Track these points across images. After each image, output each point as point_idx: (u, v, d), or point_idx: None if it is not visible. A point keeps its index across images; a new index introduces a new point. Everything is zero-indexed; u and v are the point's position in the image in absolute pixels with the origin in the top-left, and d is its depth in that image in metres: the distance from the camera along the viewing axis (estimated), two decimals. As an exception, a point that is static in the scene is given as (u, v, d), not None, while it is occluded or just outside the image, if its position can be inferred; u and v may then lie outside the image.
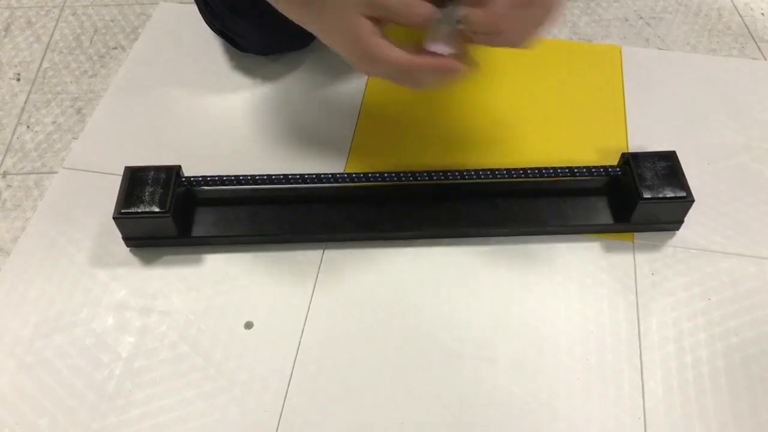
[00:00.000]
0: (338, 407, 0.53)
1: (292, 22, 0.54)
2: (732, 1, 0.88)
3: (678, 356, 0.56)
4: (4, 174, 0.70)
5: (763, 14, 0.86)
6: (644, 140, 0.71)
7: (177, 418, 0.53)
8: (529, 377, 0.55)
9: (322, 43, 0.52)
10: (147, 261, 0.62)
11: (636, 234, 0.63)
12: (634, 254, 0.62)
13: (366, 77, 0.77)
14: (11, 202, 0.68)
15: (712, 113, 0.74)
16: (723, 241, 0.63)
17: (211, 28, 0.78)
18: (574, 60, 0.79)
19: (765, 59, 0.80)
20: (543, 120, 0.73)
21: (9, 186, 0.69)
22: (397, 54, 0.47)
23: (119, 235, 0.61)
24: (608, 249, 0.62)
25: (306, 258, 0.62)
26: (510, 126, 0.72)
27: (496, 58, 0.78)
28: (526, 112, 0.73)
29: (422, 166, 0.65)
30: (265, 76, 0.77)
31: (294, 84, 0.76)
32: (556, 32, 0.84)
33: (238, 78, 0.77)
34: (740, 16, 0.86)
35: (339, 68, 0.77)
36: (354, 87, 0.76)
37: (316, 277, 0.61)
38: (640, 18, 0.86)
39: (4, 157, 0.72)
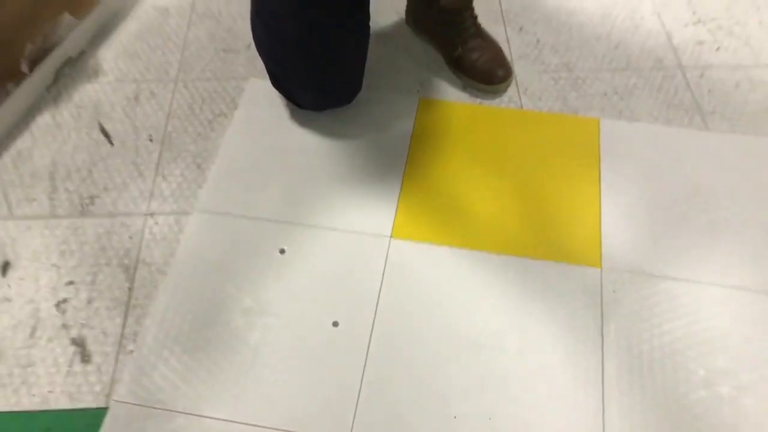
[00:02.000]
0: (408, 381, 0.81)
1: (332, 86, 0.82)
2: (686, 80, 1.14)
3: (629, 349, 0.83)
4: (152, 214, 0.98)
5: (709, 91, 1.13)
6: (615, 192, 0.98)
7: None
8: (530, 358, 0.82)
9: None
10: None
11: (603, 259, 0.90)
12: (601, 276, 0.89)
13: (410, 130, 1.04)
14: (160, 235, 0.96)
15: (665, 172, 1.01)
16: (666, 268, 0.90)
17: (280, 93, 1.06)
18: (563, 130, 1.07)
19: (708, 129, 1.07)
20: (527, 192, 1.00)
21: (156, 223, 0.97)
22: None
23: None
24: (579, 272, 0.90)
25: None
26: (501, 201, 1.00)
27: (508, 147, 1.05)
28: (515, 186, 1.01)
29: (457, 237, 0.93)
30: (323, 127, 1.05)
31: (341, 128, 1.04)
32: (552, 104, 1.11)
33: (304, 130, 1.05)
34: (691, 92, 1.13)
35: (379, 119, 1.05)
36: (397, 137, 1.04)
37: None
38: (616, 93, 1.13)
39: (150, 201, 1.00)
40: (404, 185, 0.99)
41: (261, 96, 1.11)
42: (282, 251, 0.92)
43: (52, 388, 0.83)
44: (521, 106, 1.11)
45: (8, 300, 0.90)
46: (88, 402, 0.81)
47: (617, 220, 0.96)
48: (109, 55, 1.19)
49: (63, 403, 0.81)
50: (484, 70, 1.11)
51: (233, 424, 0.78)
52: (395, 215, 0.96)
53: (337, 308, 0.87)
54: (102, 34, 1.23)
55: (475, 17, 1.14)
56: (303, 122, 1.07)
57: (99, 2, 1.20)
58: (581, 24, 1.24)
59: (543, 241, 0.93)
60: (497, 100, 1.12)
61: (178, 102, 1.12)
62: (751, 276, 0.90)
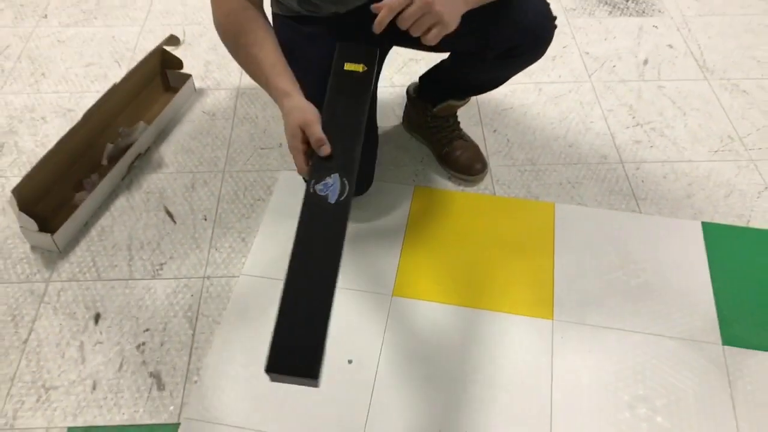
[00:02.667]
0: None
1: None
2: (625, 173, 1.45)
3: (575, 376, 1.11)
4: (208, 277, 1.27)
5: (642, 181, 1.44)
6: (565, 261, 1.27)
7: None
8: (501, 401, 1.10)
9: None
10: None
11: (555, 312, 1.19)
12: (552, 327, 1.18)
13: (408, 211, 1.34)
14: (215, 294, 1.25)
15: (605, 246, 1.30)
16: (602, 320, 1.19)
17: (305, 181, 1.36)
18: (526, 212, 1.37)
19: (641, 212, 1.37)
20: (498, 260, 1.30)
21: (211, 284, 1.26)
22: (297, 160, 0.93)
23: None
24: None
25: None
26: (478, 267, 1.29)
27: (480, 218, 1.36)
28: (489, 255, 1.30)
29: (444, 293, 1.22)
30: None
31: (357, 212, 1.34)
32: (518, 191, 1.41)
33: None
34: (629, 182, 1.43)
35: (385, 203, 1.35)
36: (398, 217, 1.33)
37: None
38: (569, 183, 1.43)
39: (206, 267, 1.29)
40: (402, 254, 1.29)
41: (291, 185, 1.42)
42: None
43: (137, 409, 1.10)
44: (494, 193, 1.41)
45: (100, 343, 1.18)
46: (164, 419, 1.09)
47: (567, 282, 1.24)
48: (169, 150, 1.51)
49: (145, 420, 1.08)
50: (465, 164, 1.42)
51: (274, 434, 1.05)
52: (396, 276, 1.25)
53: (348, 344, 1.15)
54: (163, 134, 1.55)
55: (458, 123, 1.46)
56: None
57: (162, 111, 1.53)
58: (543, 127, 1.56)
59: (509, 298, 1.22)
60: (475, 188, 1.42)
61: (225, 189, 1.43)
62: (667, 326, 1.18)
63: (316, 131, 0.90)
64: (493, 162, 1.48)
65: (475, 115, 1.59)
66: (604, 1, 1.93)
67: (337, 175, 0.89)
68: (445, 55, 1.33)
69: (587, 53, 1.75)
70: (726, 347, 1.16)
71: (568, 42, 1.79)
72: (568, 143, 1.52)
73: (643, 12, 1.89)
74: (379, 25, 0.91)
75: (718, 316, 1.20)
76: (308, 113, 0.92)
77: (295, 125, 0.92)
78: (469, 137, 1.47)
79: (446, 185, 1.43)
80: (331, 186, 0.88)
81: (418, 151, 1.50)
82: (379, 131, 1.53)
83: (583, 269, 1.27)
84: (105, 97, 1.43)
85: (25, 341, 1.18)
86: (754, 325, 1.19)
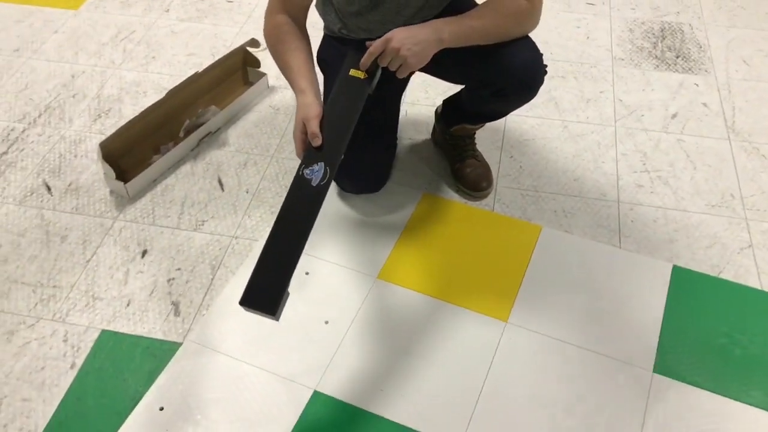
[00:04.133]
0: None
1: (366, 181, 1.37)
2: (618, 211, 1.59)
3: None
4: (236, 237, 1.55)
5: (632, 221, 1.56)
6: (537, 273, 1.44)
7: (291, 351, 1.32)
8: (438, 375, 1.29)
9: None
10: (290, 288, 1.43)
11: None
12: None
13: (411, 212, 1.56)
14: (237, 251, 1.52)
15: (576, 269, 1.45)
16: (553, 331, 1.34)
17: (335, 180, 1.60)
18: (514, 229, 1.54)
19: (620, 248, 1.51)
20: (476, 264, 1.48)
21: (237, 243, 1.54)
22: (297, 147, 1.18)
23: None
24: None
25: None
26: (457, 267, 1.48)
27: (472, 231, 1.55)
28: (470, 259, 1.49)
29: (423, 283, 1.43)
30: (356, 204, 1.58)
31: (369, 206, 1.57)
32: (514, 212, 1.59)
33: (340, 199, 1.59)
34: (619, 220, 1.57)
35: (394, 203, 1.57)
36: (401, 215, 1.55)
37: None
38: (563, 212, 1.59)
39: (236, 229, 1.57)
40: (396, 246, 1.50)
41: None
42: (307, 273, 1.45)
43: (155, 326, 1.39)
44: (492, 209, 1.59)
45: (141, 272, 1.49)
46: (172, 338, 1.37)
47: (529, 293, 1.41)
48: (234, 133, 1.82)
49: (159, 336, 1.37)
50: (473, 181, 1.62)
51: (243, 364, 1.30)
52: (384, 263, 1.47)
53: (329, 309, 1.38)
54: (234, 119, 1.86)
55: (474, 144, 1.66)
56: (340, 195, 1.62)
57: (236, 99, 1.84)
58: (556, 159, 1.72)
59: (474, 297, 1.40)
60: (478, 203, 1.61)
61: (269, 171, 1.71)
62: (608, 347, 1.32)
63: (313, 126, 1.14)
64: (500, 183, 1.66)
65: (498, 140, 1.77)
66: (654, 55, 2.05)
67: (322, 163, 1.13)
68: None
69: (621, 100, 1.89)
70: (655, 375, 1.28)
71: (606, 88, 1.93)
72: (574, 177, 1.67)
73: (690, 70, 1.99)
74: (362, 65, 1.19)
75: (658, 347, 1.32)
76: (312, 110, 1.17)
77: (299, 118, 1.17)
78: (482, 158, 1.67)
79: (453, 197, 1.63)
80: (316, 171, 1.12)
81: (437, 164, 1.71)
82: (411, 141, 1.76)
83: (548, 285, 1.43)
84: (188, 81, 1.76)
85: (88, 261, 1.51)
86: (688, 360, 1.30)
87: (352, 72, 1.22)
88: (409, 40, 1.17)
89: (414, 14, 1.36)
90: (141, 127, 1.69)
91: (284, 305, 1.03)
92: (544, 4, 1.30)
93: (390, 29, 1.22)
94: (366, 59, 1.19)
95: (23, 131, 1.84)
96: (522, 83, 1.36)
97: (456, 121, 1.60)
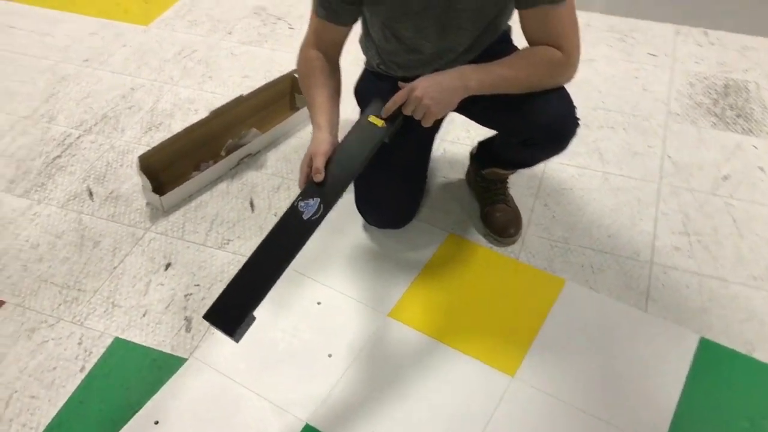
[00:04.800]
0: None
1: (390, 218, 1.37)
2: (649, 273, 1.51)
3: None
4: (256, 260, 1.57)
5: (663, 285, 1.49)
6: (552, 329, 1.38)
7: (290, 380, 1.31)
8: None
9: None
10: (300, 316, 1.42)
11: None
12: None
13: (434, 252, 1.54)
14: (255, 273, 1.53)
15: (593, 329, 1.39)
16: (561, 393, 1.29)
17: (358, 211, 1.59)
18: (536, 280, 1.49)
19: (645, 311, 1.43)
20: (490, 312, 1.44)
21: (257, 265, 1.55)
22: (300, 178, 1.17)
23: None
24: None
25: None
26: (470, 312, 1.44)
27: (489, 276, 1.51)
28: (485, 306, 1.45)
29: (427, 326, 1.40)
30: (378, 237, 1.57)
31: (391, 241, 1.55)
32: (539, 262, 1.54)
33: (367, 240, 1.58)
34: (649, 282, 1.49)
35: (418, 240, 1.55)
36: (423, 254, 1.53)
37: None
38: (591, 268, 1.53)
39: (259, 251, 1.58)
40: (412, 285, 1.48)
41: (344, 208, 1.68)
42: (318, 303, 1.45)
43: (165, 339, 1.41)
44: (518, 258, 1.55)
45: (162, 285, 1.52)
46: (180, 353, 1.39)
47: (542, 350, 1.36)
48: (273, 156, 1.85)
49: (167, 349, 1.40)
50: (500, 226, 1.58)
51: (241, 388, 1.30)
52: (397, 301, 1.45)
53: (335, 342, 1.37)
54: (276, 142, 1.89)
55: (506, 189, 1.62)
56: (364, 227, 1.61)
57: (280, 124, 1.87)
58: (592, 212, 1.66)
59: (483, 346, 1.36)
60: (503, 249, 1.57)
61: (300, 196, 1.72)
62: (618, 416, 1.25)
63: (318, 162, 1.15)
64: (530, 231, 1.61)
65: (534, 187, 1.73)
66: (713, 112, 1.96)
67: (318, 200, 1.13)
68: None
69: (669, 157, 1.81)
70: (664, 452, 1.21)
71: (655, 143, 1.85)
72: (608, 233, 1.61)
73: (750, 131, 1.89)
74: (386, 111, 1.19)
75: (672, 424, 1.24)
76: (321, 146, 1.18)
77: (309, 152, 1.18)
78: (513, 203, 1.63)
79: (479, 240, 1.60)
80: (311, 206, 1.12)
81: (468, 205, 1.68)
82: (445, 180, 1.74)
83: (564, 343, 1.37)
84: (233, 102, 1.81)
85: (115, 268, 1.56)
86: (703, 441, 1.22)
87: (371, 118, 1.23)
88: (433, 88, 1.17)
89: (454, 59, 1.36)
90: (183, 143, 1.74)
91: (247, 328, 1.03)
92: (582, 55, 1.26)
93: (427, 70, 1.23)
94: (390, 106, 1.19)
95: (78, 137, 1.93)
96: (550, 136, 1.33)
97: (488, 164, 1.58)
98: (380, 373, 1.33)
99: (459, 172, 1.78)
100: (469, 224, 1.64)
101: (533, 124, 1.30)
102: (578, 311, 1.43)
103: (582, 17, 1.22)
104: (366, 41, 1.47)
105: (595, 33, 2.32)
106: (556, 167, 1.78)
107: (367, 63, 1.51)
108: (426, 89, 1.16)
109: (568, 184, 1.74)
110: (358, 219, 1.62)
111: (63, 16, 2.48)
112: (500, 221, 1.59)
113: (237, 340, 1.02)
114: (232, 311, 1.02)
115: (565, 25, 1.22)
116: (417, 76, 1.39)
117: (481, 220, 1.63)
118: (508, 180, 1.63)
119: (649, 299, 1.46)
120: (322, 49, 1.35)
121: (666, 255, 1.55)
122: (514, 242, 1.59)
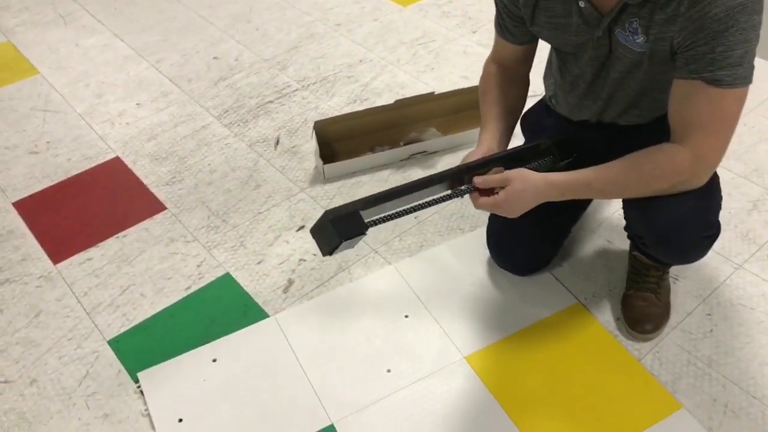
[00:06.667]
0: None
1: (515, 258, 1.40)
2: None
3: None
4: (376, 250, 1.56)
5: (810, 468, 1.15)
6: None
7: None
8: None
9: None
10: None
11: None
12: None
13: (548, 315, 1.38)
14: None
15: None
16: None
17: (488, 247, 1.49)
18: (646, 393, 1.26)
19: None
20: (569, 403, 1.24)
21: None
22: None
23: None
24: None
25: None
26: (554, 394, 1.26)
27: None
28: (572, 395, 1.26)
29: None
30: (498, 277, 1.45)
31: (508, 285, 1.43)
32: (663, 374, 1.29)
33: (485, 275, 1.47)
34: (793, 456, 1.17)
35: (537, 295, 1.41)
36: (535, 312, 1.38)
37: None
38: (726, 405, 1.24)
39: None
40: (506, 339, 1.35)
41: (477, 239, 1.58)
42: (406, 316, 1.40)
43: (263, 291, 1.49)
44: (641, 358, 1.32)
45: (287, 242, 1.60)
46: (268, 309, 1.45)
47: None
48: (445, 161, 1.81)
49: (260, 300, 1.47)
50: (636, 317, 1.35)
51: (297, 366, 1.32)
52: (482, 348, 1.34)
53: (397, 360, 1.32)
54: (454, 148, 1.84)
55: (662, 278, 1.37)
56: (488, 262, 1.50)
57: (465, 131, 1.82)
58: (761, 346, 1.34)
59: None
60: (630, 343, 1.35)
61: (450, 207, 1.67)
62: None
63: (469, 158, 1.17)
64: (672, 335, 1.36)
65: (707, 288, 1.44)
66: None
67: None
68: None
69: None
70: None
71: None
72: (763, 374, 1.28)
73: None
74: (479, 183, 1.11)
75: None
76: (474, 154, 1.18)
77: (465, 156, 1.19)
78: (666, 297, 1.38)
79: (606, 323, 1.39)
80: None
81: (616, 281, 1.47)
82: (608, 244, 1.55)
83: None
84: (420, 97, 1.80)
85: (260, 212, 1.68)
86: None
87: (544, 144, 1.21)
88: (515, 203, 1.09)
89: (620, 113, 1.20)
90: (362, 122, 1.79)
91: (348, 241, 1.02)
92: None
93: (584, 114, 1.18)
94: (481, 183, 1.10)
95: (295, 90, 2.10)
96: (661, 243, 1.11)
97: (635, 246, 1.35)
98: (425, 409, 1.24)
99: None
100: (605, 301, 1.43)
101: (641, 221, 1.10)
102: (679, 448, 1.18)
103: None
104: (548, 68, 1.35)
105: None
106: (748, 277, 1.46)
107: (545, 92, 1.39)
108: (508, 197, 1.08)
109: (753, 302, 1.42)
110: (484, 252, 1.51)
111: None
112: (638, 312, 1.36)
113: (327, 251, 1.03)
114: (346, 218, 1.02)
115: (715, 116, 0.98)
116: (582, 122, 1.26)
117: (621, 301, 1.42)
118: (668, 270, 1.39)
119: (779, 475, 1.14)
120: (504, 65, 1.30)
121: (836, 434, 1.20)
122: (647, 340, 1.35)
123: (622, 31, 1.05)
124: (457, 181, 1.14)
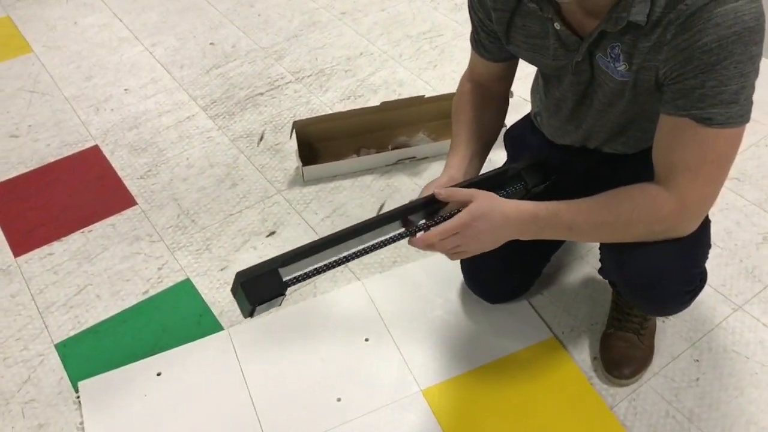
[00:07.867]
0: None
1: (485, 285, 1.29)
2: None
3: None
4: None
5: None
6: None
7: (284, 403, 1.21)
8: None
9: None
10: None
11: None
12: None
13: (519, 349, 1.28)
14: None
15: None
16: None
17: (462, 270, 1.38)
18: (616, 447, 1.15)
19: None
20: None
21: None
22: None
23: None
24: None
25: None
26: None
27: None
28: None
29: (459, 412, 1.16)
30: (472, 305, 1.35)
31: (480, 314, 1.32)
32: (637, 425, 1.17)
33: (458, 303, 1.37)
34: None
35: (510, 326, 1.30)
36: (504, 345, 1.28)
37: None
38: (701, 469, 1.12)
39: (353, 259, 1.48)
40: (471, 372, 1.25)
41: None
42: (366, 340, 1.31)
43: (221, 301, 1.41)
44: (613, 406, 1.21)
45: (254, 249, 1.52)
46: (222, 321, 1.37)
47: None
48: (433, 168, 1.69)
49: (216, 311, 1.39)
50: (615, 359, 1.24)
51: (247, 393, 1.24)
52: (440, 382, 1.24)
53: (348, 389, 1.23)
54: (443, 155, 1.72)
55: (648, 319, 1.25)
56: (462, 289, 1.39)
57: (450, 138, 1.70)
58: (751, 402, 1.21)
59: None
60: (605, 386, 1.23)
61: (430, 221, 1.56)
62: None
63: (428, 189, 1.01)
64: (653, 382, 1.24)
65: (698, 331, 1.31)
66: None
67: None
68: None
69: None
70: None
71: None
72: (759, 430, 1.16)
73: None
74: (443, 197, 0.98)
75: None
76: (437, 182, 1.05)
77: (427, 184, 1.06)
78: (649, 340, 1.26)
79: (582, 363, 1.27)
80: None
81: (599, 315, 1.35)
82: (596, 277, 1.42)
83: None
84: (407, 101, 1.69)
85: (231, 214, 1.60)
86: None
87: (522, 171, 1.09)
88: (485, 236, 0.95)
89: (604, 141, 1.08)
90: (344, 123, 1.69)
91: (267, 303, 0.88)
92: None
93: (567, 139, 1.08)
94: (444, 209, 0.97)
95: (287, 83, 2.00)
96: (637, 296, 1.00)
97: (615, 286, 1.23)
98: (371, 448, 1.16)
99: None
100: (584, 337, 1.32)
101: (615, 268, 0.98)
102: None
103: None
104: (535, 82, 1.23)
105: None
106: (747, 320, 1.33)
107: (531, 107, 1.27)
108: (475, 235, 0.94)
109: (749, 350, 1.29)
110: (458, 277, 1.40)
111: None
112: (617, 353, 1.24)
113: (245, 314, 0.89)
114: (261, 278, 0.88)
115: (704, 159, 0.85)
116: (564, 146, 1.15)
117: (599, 340, 1.30)
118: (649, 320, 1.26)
119: None
120: (480, 82, 1.19)
121: None
122: (624, 385, 1.23)
123: (603, 56, 0.92)
124: (405, 222, 1.01)
